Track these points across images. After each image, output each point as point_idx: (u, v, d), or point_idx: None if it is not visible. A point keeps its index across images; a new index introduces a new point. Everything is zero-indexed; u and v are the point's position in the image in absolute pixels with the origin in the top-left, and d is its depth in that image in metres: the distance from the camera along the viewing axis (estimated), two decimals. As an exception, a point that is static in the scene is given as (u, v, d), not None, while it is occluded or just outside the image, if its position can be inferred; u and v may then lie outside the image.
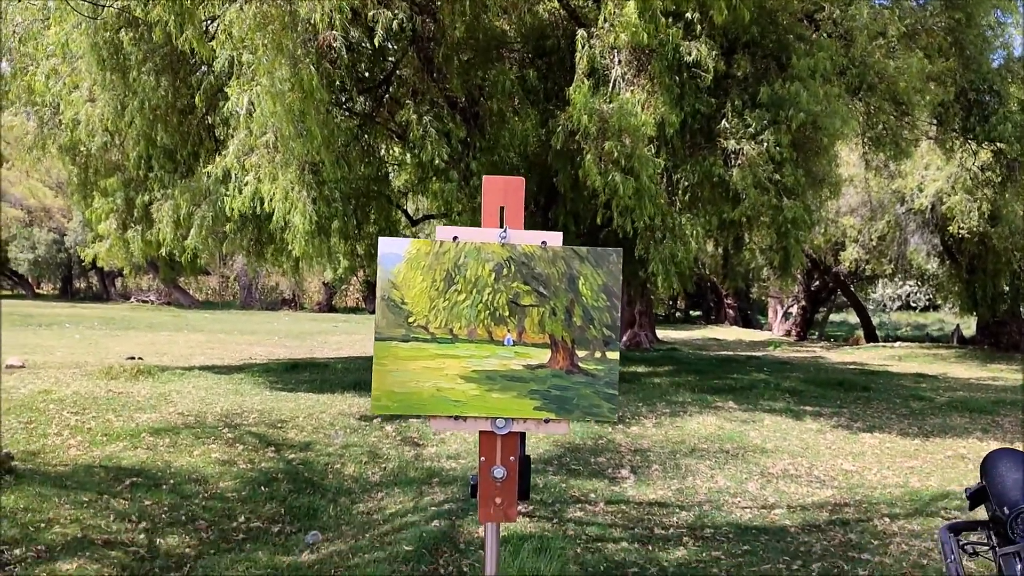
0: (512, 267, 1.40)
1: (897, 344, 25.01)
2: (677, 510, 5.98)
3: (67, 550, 4.62)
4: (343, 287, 40.78)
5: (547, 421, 1.36)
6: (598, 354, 1.39)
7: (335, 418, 8.75)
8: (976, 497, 1.24)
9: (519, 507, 5.84)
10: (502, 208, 1.38)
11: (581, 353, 1.39)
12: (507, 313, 1.40)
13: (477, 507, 1.30)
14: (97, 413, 7.93)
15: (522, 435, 1.35)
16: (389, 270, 1.41)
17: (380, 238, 1.41)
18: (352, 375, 12.11)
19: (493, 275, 1.40)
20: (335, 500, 6.19)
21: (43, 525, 4.96)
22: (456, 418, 1.37)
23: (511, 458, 1.29)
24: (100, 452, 6.70)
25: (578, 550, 4.94)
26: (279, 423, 8.27)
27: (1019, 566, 1.02)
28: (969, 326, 27.29)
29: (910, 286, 34.26)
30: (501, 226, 1.39)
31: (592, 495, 6.28)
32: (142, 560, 4.70)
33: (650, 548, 5.07)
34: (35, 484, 5.63)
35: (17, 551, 4.55)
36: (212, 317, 28.42)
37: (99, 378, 10.16)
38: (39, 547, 4.63)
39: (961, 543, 1.24)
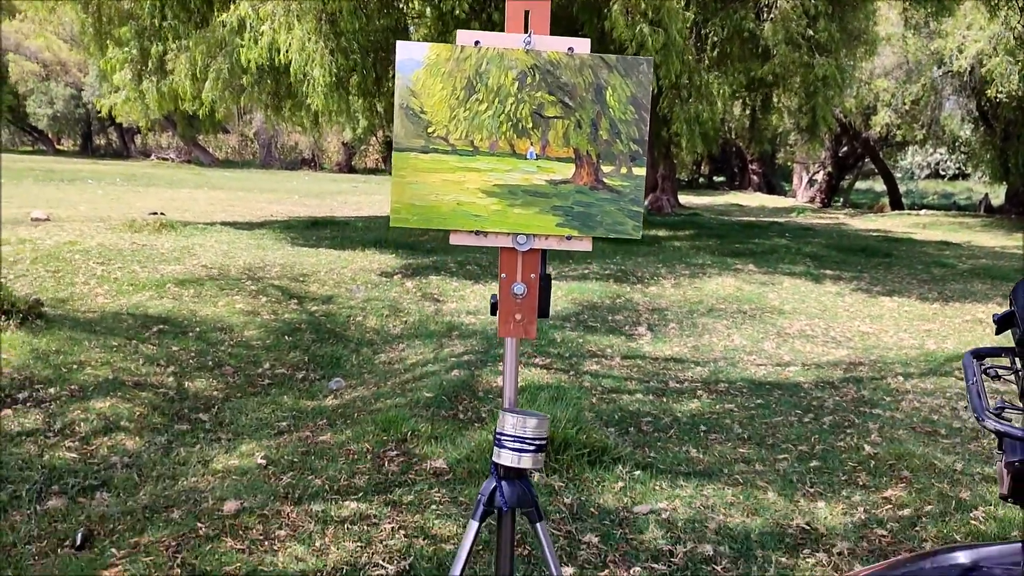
0: (536, 76, 1.33)
1: (923, 212, 24.70)
2: (692, 366, 6.07)
3: (99, 390, 4.78)
4: (362, 147, 40.42)
5: (569, 238, 1.33)
6: (624, 170, 1.34)
7: (356, 273, 8.84)
8: (1003, 322, 1.23)
9: (538, 360, 5.95)
10: (527, 12, 1.31)
11: (606, 168, 1.34)
12: (530, 125, 1.35)
13: (497, 323, 1.30)
14: (122, 264, 8.04)
15: (543, 252, 1.32)
16: (408, 76, 1.35)
17: (398, 42, 1.34)
18: (373, 233, 12.16)
19: (516, 84, 1.34)
20: (357, 350, 6.33)
21: (75, 366, 5.12)
22: (477, 233, 1.34)
23: (532, 275, 1.27)
24: (127, 301, 6.83)
25: (593, 400, 5.05)
26: (301, 277, 8.37)
27: (1042, 386, 1.00)
28: (998, 195, 26.83)
29: (940, 153, 33.49)
30: (525, 31, 1.32)
31: (609, 350, 6.37)
32: (172, 401, 4.86)
33: (664, 400, 5.18)
34: (65, 328, 5.77)
35: (52, 390, 4.71)
36: (232, 175, 28.39)
37: (123, 231, 10.26)
38: (72, 387, 4.80)
39: (984, 367, 1.24)
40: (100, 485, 3.69)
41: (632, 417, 4.80)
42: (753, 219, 20.52)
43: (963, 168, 33.22)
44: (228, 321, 6.61)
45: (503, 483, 1.34)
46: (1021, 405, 1.09)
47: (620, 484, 3.76)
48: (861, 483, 3.89)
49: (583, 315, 7.47)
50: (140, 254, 8.63)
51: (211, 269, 8.25)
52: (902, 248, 14.12)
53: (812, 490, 3.79)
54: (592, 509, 3.51)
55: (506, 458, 1.31)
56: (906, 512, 3.56)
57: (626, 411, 4.90)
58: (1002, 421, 1.08)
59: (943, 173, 37.09)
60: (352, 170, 40.32)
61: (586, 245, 1.31)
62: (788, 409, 5.06)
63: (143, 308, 6.68)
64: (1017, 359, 1.14)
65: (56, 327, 5.76)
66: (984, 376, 1.21)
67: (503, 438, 1.31)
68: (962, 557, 1.22)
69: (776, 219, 21.02)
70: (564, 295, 8.19)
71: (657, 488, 3.75)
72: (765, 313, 7.97)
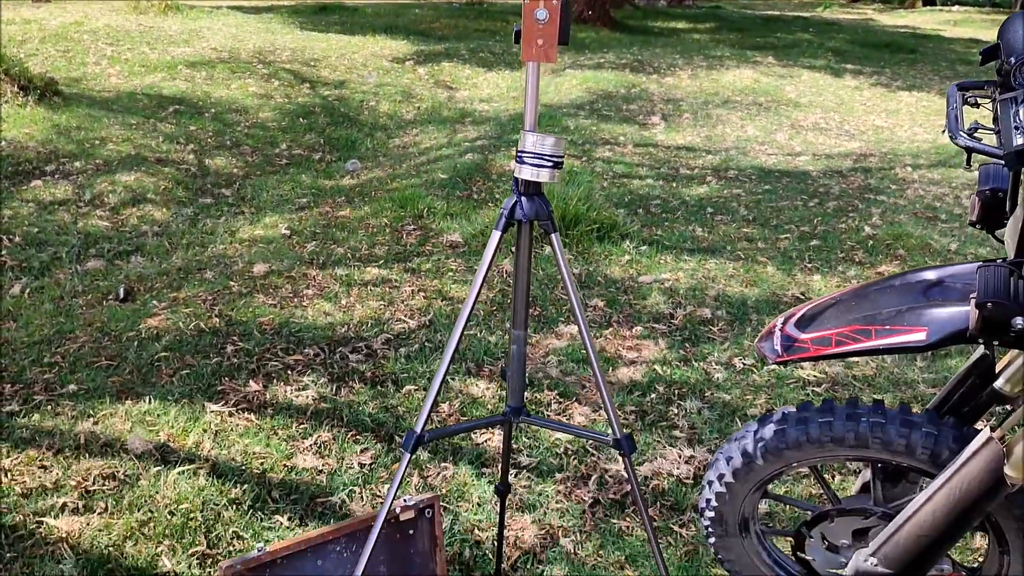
0: None
1: (955, 8, 23.60)
2: (704, 154, 6.13)
3: (123, 165, 4.91)
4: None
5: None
6: None
7: (367, 59, 8.71)
8: (988, 54, 1.31)
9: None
10: None
11: None
12: None
13: (520, 50, 1.38)
14: (131, 45, 7.92)
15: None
16: None
17: None
18: (383, 19, 11.81)
19: None
20: (371, 134, 6.39)
21: (97, 143, 5.21)
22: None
23: (553, 2, 1.34)
24: (140, 81, 6.82)
25: (605, 184, 5.17)
26: (312, 62, 8.26)
27: (1013, 109, 1.10)
28: (1037, -9, 25.46)
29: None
30: None
31: (621, 138, 6.41)
32: (194, 177, 5.00)
33: (674, 185, 5.29)
34: (83, 106, 5.81)
35: (77, 164, 4.84)
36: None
37: (127, 13, 9.98)
38: (97, 161, 4.92)
39: (966, 98, 1.33)
40: (134, 250, 3.90)
41: (641, 200, 4.93)
42: (777, 13, 19.70)
43: (1005, -39, 31.29)
44: (242, 103, 6.63)
45: (522, 198, 1.48)
46: (993, 127, 1.20)
47: (627, 257, 3.95)
48: (857, 260, 4.07)
49: (597, 104, 7.44)
50: (148, 35, 8.48)
51: (221, 52, 8.13)
52: (929, 45, 13.67)
53: (810, 265, 3.98)
54: (599, 278, 3.71)
55: (526, 173, 1.45)
56: (897, 286, 3.76)
57: (636, 194, 5.03)
58: (972, 139, 1.19)
59: (983, -34, 34.98)
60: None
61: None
62: (794, 195, 5.17)
63: (157, 89, 6.67)
64: (997, 90, 1.23)
65: (73, 105, 5.80)
66: (964, 103, 1.31)
67: (524, 155, 1.44)
68: (929, 274, 1.37)
69: (801, 13, 20.18)
70: (579, 84, 8.10)
71: (662, 262, 3.94)
72: (781, 106, 7.90)
